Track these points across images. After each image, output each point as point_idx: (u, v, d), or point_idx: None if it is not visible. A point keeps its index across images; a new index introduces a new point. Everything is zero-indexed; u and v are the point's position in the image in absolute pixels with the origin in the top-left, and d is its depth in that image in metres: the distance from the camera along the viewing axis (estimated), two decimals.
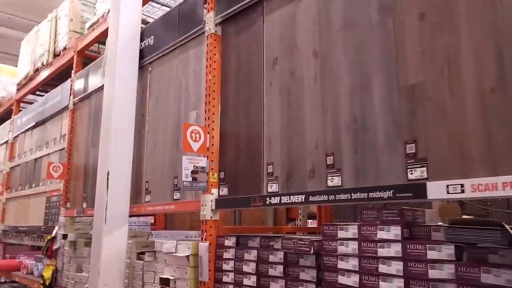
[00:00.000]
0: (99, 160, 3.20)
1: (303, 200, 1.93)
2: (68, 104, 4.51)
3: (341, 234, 1.77)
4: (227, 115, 2.53)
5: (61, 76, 5.31)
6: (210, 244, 2.40)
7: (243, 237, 2.30)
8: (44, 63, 5.27)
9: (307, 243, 1.88)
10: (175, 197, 2.78)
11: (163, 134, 3.03)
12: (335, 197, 1.80)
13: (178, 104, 2.92)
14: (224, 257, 2.35)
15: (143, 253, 2.93)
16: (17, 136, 6.03)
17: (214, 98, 2.57)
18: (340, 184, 1.82)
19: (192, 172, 2.45)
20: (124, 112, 3.19)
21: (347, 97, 1.86)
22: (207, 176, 2.48)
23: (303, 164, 2.00)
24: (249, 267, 2.17)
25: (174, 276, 2.56)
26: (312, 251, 1.85)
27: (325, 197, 1.84)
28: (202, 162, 2.49)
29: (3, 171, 6.29)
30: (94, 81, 4.07)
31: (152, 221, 4.83)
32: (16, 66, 7.04)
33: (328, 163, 1.89)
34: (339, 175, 1.83)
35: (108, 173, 3.05)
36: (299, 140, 2.05)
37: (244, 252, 2.22)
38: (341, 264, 1.74)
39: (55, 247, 4.07)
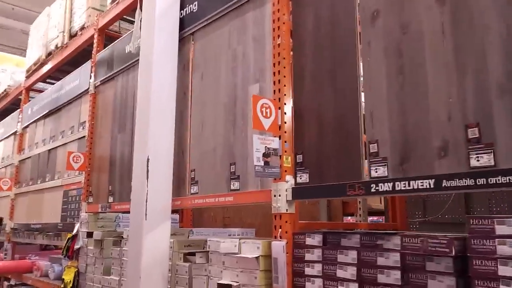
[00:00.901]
0: (135, 146, 2.75)
1: (431, 186, 1.49)
2: (89, 88, 4.05)
3: (501, 229, 1.33)
4: (303, 86, 2.08)
5: (75, 61, 4.85)
6: (287, 242, 1.96)
7: (332, 234, 1.86)
8: (59, 45, 4.81)
9: (444, 242, 1.43)
10: (232, 187, 2.34)
11: (213, 114, 2.57)
12: (486, 181, 1.36)
13: (233, 78, 2.47)
14: (306, 259, 1.91)
15: (191, 254, 2.49)
16: (27, 126, 5.57)
17: (284, 67, 2.12)
18: (492, 163, 1.38)
19: (264, 155, 2.00)
20: (164, 90, 2.74)
21: (498, 50, 1.42)
22: (280, 160, 2.04)
23: (427, 140, 1.56)
24: (347, 272, 1.73)
25: (238, 282, 2.11)
26: (452, 253, 1.41)
27: (470, 181, 1.39)
28: (274, 143, 2.05)
29: (11, 164, 5.83)
30: (119, 60, 3.62)
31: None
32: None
33: (470, 136, 1.44)
34: (490, 152, 1.38)
35: (147, 160, 2.60)
36: (418, 111, 1.60)
37: (338, 253, 1.78)
38: (504, 270, 1.29)
39: (76, 246, 3.62)
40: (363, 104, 1.80)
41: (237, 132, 2.37)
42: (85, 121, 4.13)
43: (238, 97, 2.40)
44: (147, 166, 2.59)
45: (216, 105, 2.55)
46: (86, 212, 3.73)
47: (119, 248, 3.10)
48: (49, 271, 4.22)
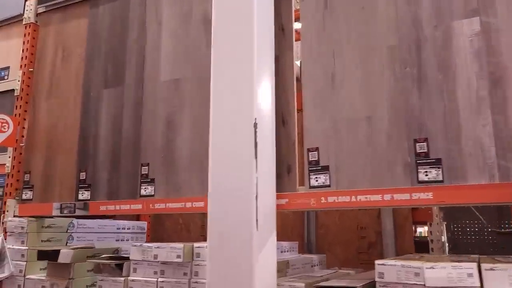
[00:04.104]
0: (213, 105, 1.58)
1: None
2: (23, 15, 2.50)
3: None
4: None
5: None
6: None
7: None
8: None
9: None
10: (424, 178, 1.43)
11: (361, 62, 1.61)
12: None
13: (409, 9, 1.57)
14: None
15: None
16: None
17: None
18: None
19: None
20: (264, 24, 1.67)
21: None
22: None
23: None
24: None
25: None
26: None
27: None
28: None
29: None
30: None
31: None
32: None
33: None
34: None
35: (255, 126, 1.49)
36: None
37: None
38: None
39: (1, 276, 2.09)
40: None
41: (429, 92, 1.49)
42: (7, 68, 2.55)
43: (427, 38, 1.53)
44: (255, 137, 1.48)
45: (370, 49, 1.61)
46: (16, 217, 2.21)
47: (123, 279, 1.81)
48: None
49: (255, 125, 1.49)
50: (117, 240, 2.61)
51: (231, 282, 1.40)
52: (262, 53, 1.60)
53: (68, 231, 2.32)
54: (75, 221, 2.35)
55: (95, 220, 2.48)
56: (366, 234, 2.66)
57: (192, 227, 3.22)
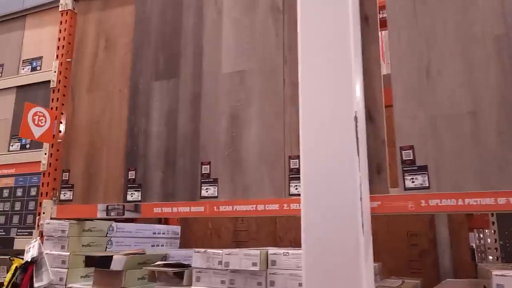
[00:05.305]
0: (302, 97, 1.43)
1: None
2: (58, 2, 2.32)
3: None
4: None
5: None
6: None
7: None
8: None
9: None
10: None
11: (459, 53, 1.49)
12: None
13: None
14: None
15: None
16: None
17: None
18: None
19: None
20: (356, 15, 1.53)
21: None
22: None
23: None
24: None
25: None
26: None
27: None
28: None
29: None
30: None
31: None
32: None
33: None
34: None
35: (355, 119, 1.35)
36: None
37: None
38: None
39: (39, 284, 1.89)
40: None
41: None
42: (39, 58, 2.36)
43: None
44: (356, 132, 1.33)
45: (471, 38, 1.48)
46: (54, 219, 2.02)
47: None
48: None
49: (356, 118, 1.34)
50: (152, 246, 2.44)
51: None
52: (355, 42, 1.46)
53: (108, 235, 2.14)
54: (114, 224, 2.17)
55: (132, 224, 2.31)
56: (417, 241, 2.52)
57: (223, 232, 3.04)
